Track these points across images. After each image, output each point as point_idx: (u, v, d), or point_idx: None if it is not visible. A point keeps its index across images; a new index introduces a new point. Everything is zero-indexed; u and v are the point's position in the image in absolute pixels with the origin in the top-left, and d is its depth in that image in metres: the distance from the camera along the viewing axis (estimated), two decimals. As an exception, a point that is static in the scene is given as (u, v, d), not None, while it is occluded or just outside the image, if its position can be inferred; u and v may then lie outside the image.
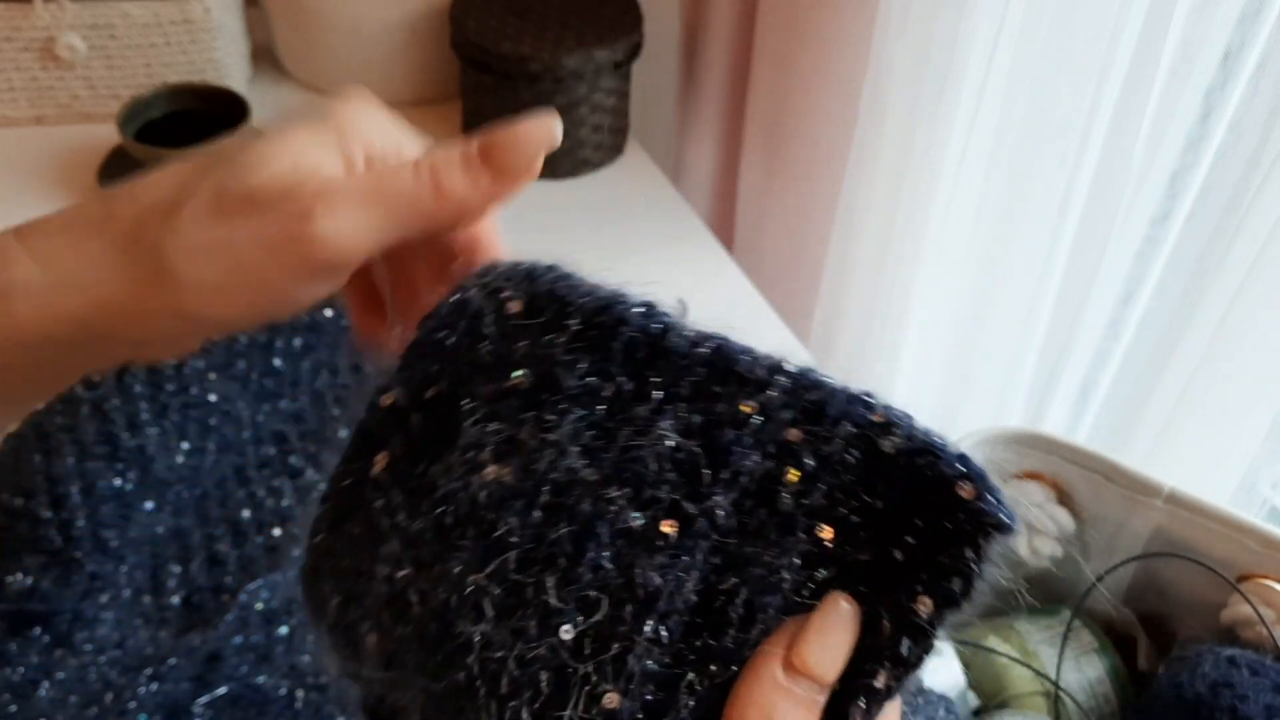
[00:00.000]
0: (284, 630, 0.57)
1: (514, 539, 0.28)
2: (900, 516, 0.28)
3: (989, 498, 0.27)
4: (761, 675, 0.27)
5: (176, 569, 0.61)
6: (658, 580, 0.27)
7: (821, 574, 0.28)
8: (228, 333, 0.36)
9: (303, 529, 0.33)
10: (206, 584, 0.61)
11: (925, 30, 0.77)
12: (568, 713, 0.26)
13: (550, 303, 0.31)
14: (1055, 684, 0.67)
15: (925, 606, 0.27)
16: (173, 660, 0.54)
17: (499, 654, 0.27)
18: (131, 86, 0.97)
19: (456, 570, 0.28)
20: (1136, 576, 0.70)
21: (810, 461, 0.28)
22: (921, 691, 0.62)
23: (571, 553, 0.27)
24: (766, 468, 0.29)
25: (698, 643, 0.27)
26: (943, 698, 0.63)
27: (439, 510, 0.29)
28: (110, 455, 0.60)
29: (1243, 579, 0.63)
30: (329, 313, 0.71)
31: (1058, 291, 0.90)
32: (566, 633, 0.27)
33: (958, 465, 0.28)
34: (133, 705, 0.52)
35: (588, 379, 0.30)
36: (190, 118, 0.93)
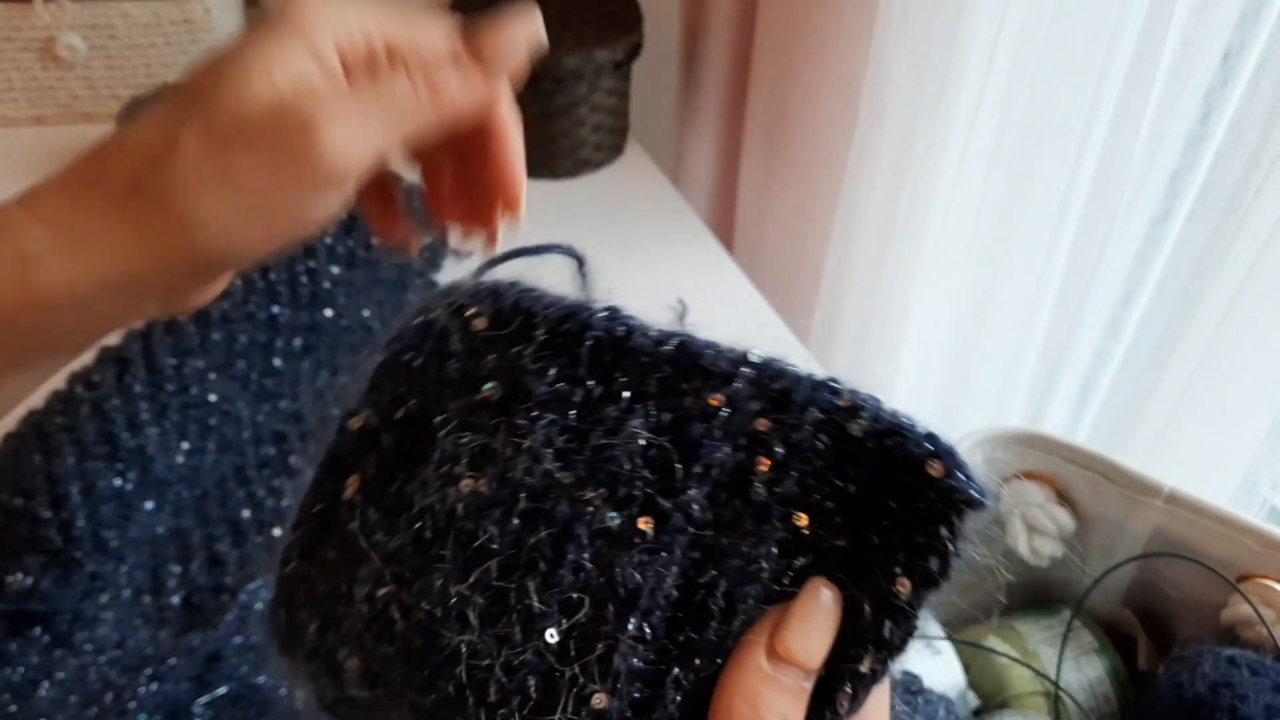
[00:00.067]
0: (284, 630, 0.57)
1: (494, 546, 0.28)
2: (874, 499, 0.28)
3: (959, 474, 0.27)
4: (746, 665, 0.27)
5: (176, 569, 0.61)
6: (638, 577, 0.27)
7: (800, 561, 0.28)
8: (248, 265, 0.36)
9: (268, 566, 0.33)
10: (206, 584, 0.61)
11: (925, 30, 0.77)
12: (557, 716, 0.26)
13: (516, 315, 0.31)
14: (1055, 684, 0.67)
15: (904, 588, 0.27)
16: (173, 660, 0.54)
17: (485, 662, 0.27)
18: (131, 86, 0.97)
19: (439, 583, 0.28)
20: (1136, 576, 0.70)
21: (780, 450, 0.29)
22: (921, 692, 0.62)
23: (552, 556, 0.28)
24: (738, 459, 0.29)
25: (681, 637, 0.27)
26: (943, 698, 0.63)
27: (417, 525, 0.29)
28: (110, 455, 0.60)
29: (1243, 579, 0.63)
30: (329, 313, 0.71)
31: (1058, 291, 0.90)
32: (551, 636, 0.27)
33: (926, 444, 0.28)
34: (133, 705, 0.52)
35: (557, 385, 0.30)
36: (190, 118, 0.93)
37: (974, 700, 0.68)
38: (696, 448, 0.29)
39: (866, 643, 0.27)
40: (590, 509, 0.28)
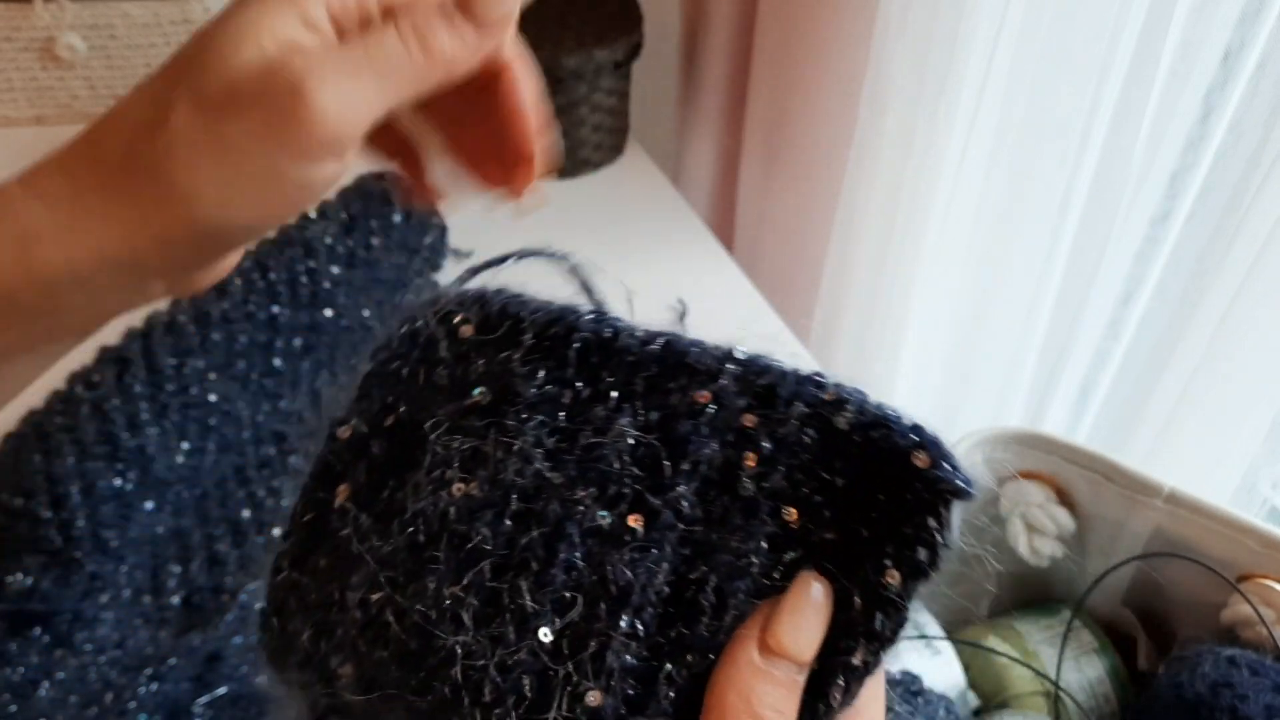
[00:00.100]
0: (284, 630, 0.57)
1: (487, 547, 0.28)
2: (861, 492, 0.28)
3: (945, 465, 0.28)
4: (739, 659, 0.27)
5: (176, 569, 0.61)
6: (629, 575, 0.28)
7: (790, 556, 0.28)
8: (249, 240, 0.35)
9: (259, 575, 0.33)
10: (206, 584, 0.61)
11: (925, 30, 0.77)
12: (551, 715, 0.26)
13: (503, 320, 0.31)
14: (1055, 684, 0.67)
15: (894, 579, 0.27)
16: (173, 660, 0.54)
17: (480, 662, 0.27)
18: (131, 86, 0.97)
19: (432, 585, 0.28)
20: (1136, 576, 0.70)
21: (767, 445, 0.29)
22: (921, 692, 0.62)
23: (544, 555, 0.28)
24: (726, 455, 0.29)
25: (673, 633, 0.28)
26: (943, 698, 0.63)
27: (410, 529, 0.29)
28: (110, 455, 0.60)
29: (1243, 579, 0.63)
30: (329, 313, 0.71)
31: (1058, 291, 0.90)
32: (545, 635, 0.27)
33: (911, 435, 0.28)
34: (133, 705, 0.52)
35: (546, 387, 0.30)
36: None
37: (974, 700, 0.68)
38: (684, 445, 0.29)
39: (858, 635, 0.27)
40: (581, 508, 0.28)
